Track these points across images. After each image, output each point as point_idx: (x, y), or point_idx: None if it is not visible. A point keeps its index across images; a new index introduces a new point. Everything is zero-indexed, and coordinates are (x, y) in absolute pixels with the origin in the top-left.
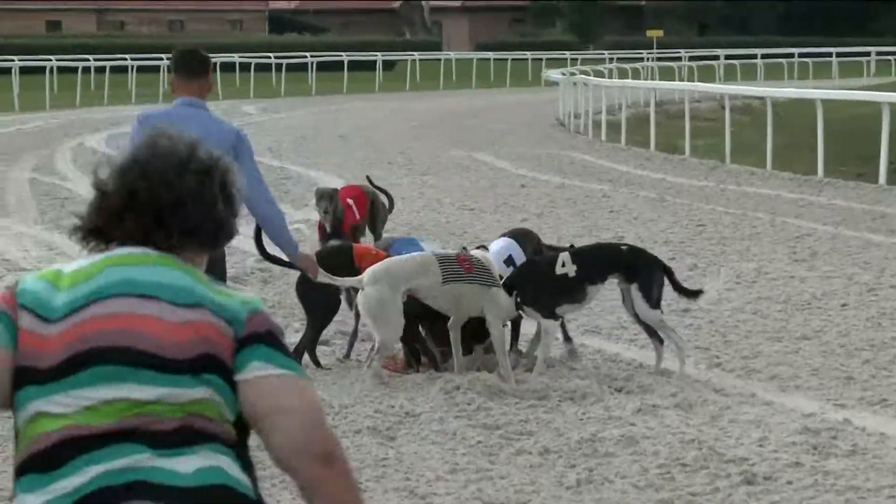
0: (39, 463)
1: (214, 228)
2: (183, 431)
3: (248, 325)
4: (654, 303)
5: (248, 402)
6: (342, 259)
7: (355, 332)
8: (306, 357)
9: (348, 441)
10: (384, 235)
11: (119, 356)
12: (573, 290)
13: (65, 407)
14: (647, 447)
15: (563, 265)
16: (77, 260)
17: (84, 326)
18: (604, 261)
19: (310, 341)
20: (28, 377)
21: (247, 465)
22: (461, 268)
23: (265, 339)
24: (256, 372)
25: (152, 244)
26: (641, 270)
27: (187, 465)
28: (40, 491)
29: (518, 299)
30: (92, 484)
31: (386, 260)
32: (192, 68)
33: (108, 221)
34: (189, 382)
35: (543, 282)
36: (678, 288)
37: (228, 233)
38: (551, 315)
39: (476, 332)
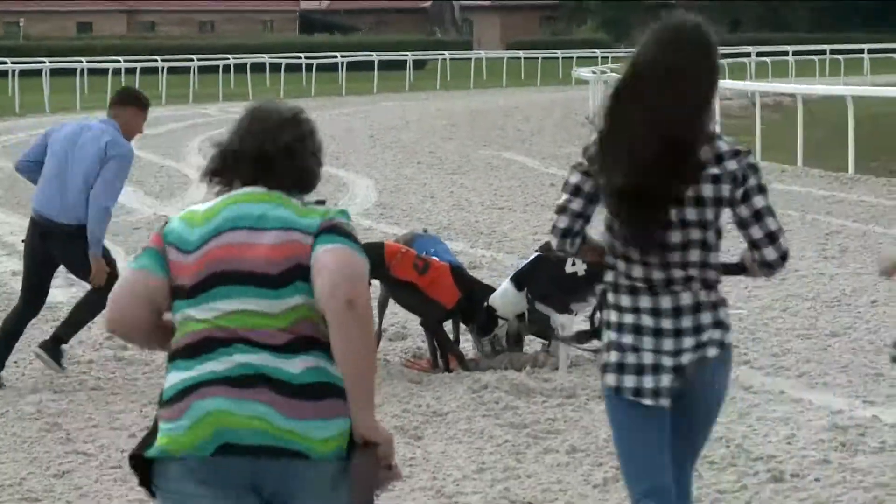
0: (188, 352)
1: (307, 175)
2: (292, 341)
3: (320, 227)
4: None
5: (313, 276)
6: (373, 257)
7: (379, 331)
8: None
9: None
10: (406, 230)
11: (234, 277)
12: (581, 289)
13: (204, 314)
14: None
15: (574, 263)
16: (205, 204)
17: (209, 255)
18: None
19: None
20: (178, 293)
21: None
22: None
23: (327, 230)
24: (315, 253)
25: (262, 184)
26: None
27: (297, 366)
28: (187, 371)
29: (529, 295)
30: (229, 370)
31: None
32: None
33: (227, 168)
34: (288, 293)
35: (554, 279)
36: None
37: (315, 179)
38: (565, 310)
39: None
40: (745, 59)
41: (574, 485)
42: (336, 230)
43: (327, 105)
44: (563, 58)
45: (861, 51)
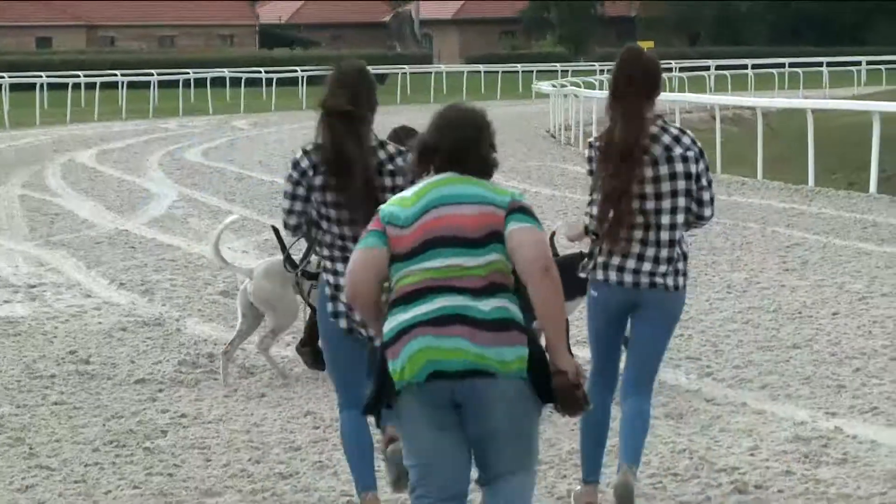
0: (405, 299)
1: (488, 163)
2: (487, 286)
3: (509, 206)
4: None
5: (508, 246)
6: None
7: None
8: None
9: (339, 454)
10: None
11: (445, 241)
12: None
13: (418, 272)
14: None
15: None
16: (411, 189)
17: (424, 226)
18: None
19: None
20: (397, 259)
21: (523, 305)
22: None
23: (516, 210)
24: (510, 227)
25: (454, 171)
26: None
27: (487, 306)
28: (403, 314)
29: None
30: (433, 312)
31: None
32: None
33: (425, 159)
34: (486, 252)
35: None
36: None
37: (493, 165)
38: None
39: None
40: (704, 73)
41: (538, 497)
42: (523, 211)
43: (288, 119)
44: (522, 71)
45: (820, 64)
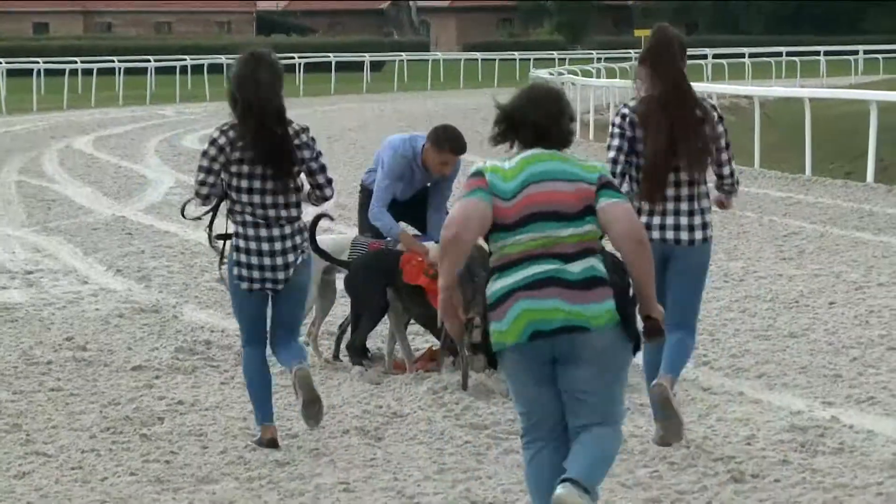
0: (507, 266)
1: (568, 136)
2: (579, 251)
3: (598, 181)
4: None
5: (601, 219)
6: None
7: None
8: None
9: (336, 442)
10: None
11: (546, 216)
12: None
13: (520, 242)
14: (634, 445)
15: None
16: (507, 161)
17: (526, 200)
18: None
19: (361, 339)
20: (499, 228)
21: (608, 264)
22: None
23: (605, 186)
24: (603, 202)
25: (539, 146)
26: None
27: (577, 267)
28: (505, 280)
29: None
30: (532, 276)
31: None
32: None
33: (510, 133)
34: (582, 224)
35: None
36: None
37: (572, 138)
38: None
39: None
40: (701, 62)
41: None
42: (611, 186)
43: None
44: (520, 59)
45: (817, 53)
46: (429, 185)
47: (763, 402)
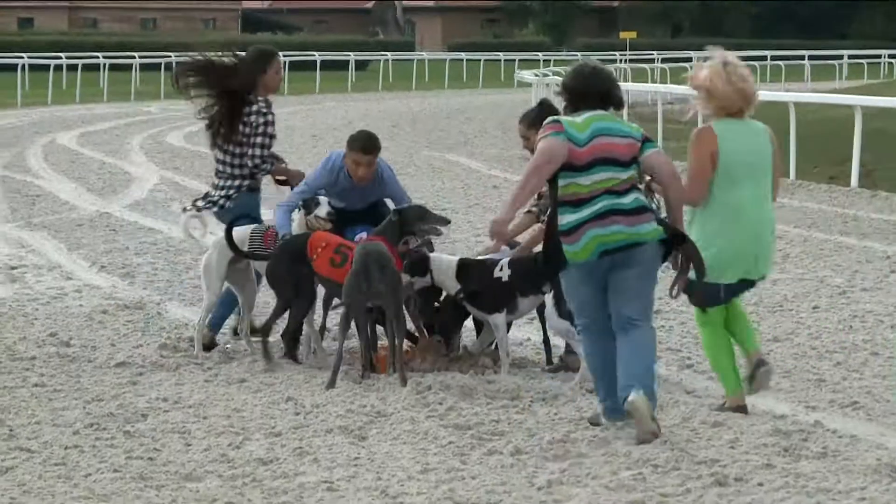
0: (575, 203)
1: (621, 101)
2: (628, 188)
3: (642, 136)
4: (564, 312)
5: (647, 165)
6: (298, 251)
7: (323, 326)
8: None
9: (319, 440)
10: None
11: (607, 161)
12: (507, 293)
13: (587, 182)
14: (618, 448)
15: (501, 269)
16: (578, 117)
17: (593, 148)
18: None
19: (293, 327)
20: (568, 167)
21: (647, 197)
22: (263, 242)
23: (647, 140)
24: (648, 152)
25: (601, 108)
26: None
27: (629, 198)
28: (576, 213)
29: (461, 294)
30: (599, 210)
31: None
32: None
33: (578, 101)
34: (630, 170)
35: (482, 280)
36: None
37: (623, 104)
38: (495, 310)
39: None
40: (686, 64)
41: (518, 486)
42: (651, 140)
43: None
44: (505, 60)
45: (802, 57)
46: (384, 197)
47: (746, 406)
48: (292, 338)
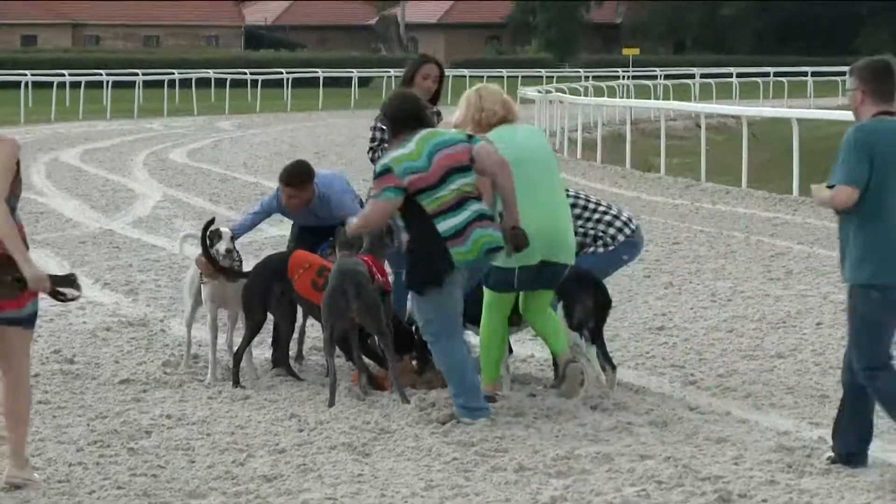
0: (449, 209)
1: (434, 119)
2: (479, 195)
3: (466, 136)
4: (574, 324)
5: (477, 157)
6: (278, 268)
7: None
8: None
9: (323, 457)
10: None
11: (455, 170)
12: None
13: (447, 192)
14: (622, 464)
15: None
16: (407, 147)
17: (439, 164)
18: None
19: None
20: (425, 190)
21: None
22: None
23: (471, 136)
24: (475, 148)
25: (423, 127)
26: (569, 289)
27: (486, 205)
28: (458, 217)
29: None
30: (475, 213)
31: None
32: None
33: (403, 124)
34: (472, 172)
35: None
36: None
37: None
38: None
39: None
40: (689, 81)
41: (522, 503)
42: (473, 136)
43: (272, 121)
44: (507, 76)
45: (804, 73)
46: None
47: (750, 422)
48: (284, 357)
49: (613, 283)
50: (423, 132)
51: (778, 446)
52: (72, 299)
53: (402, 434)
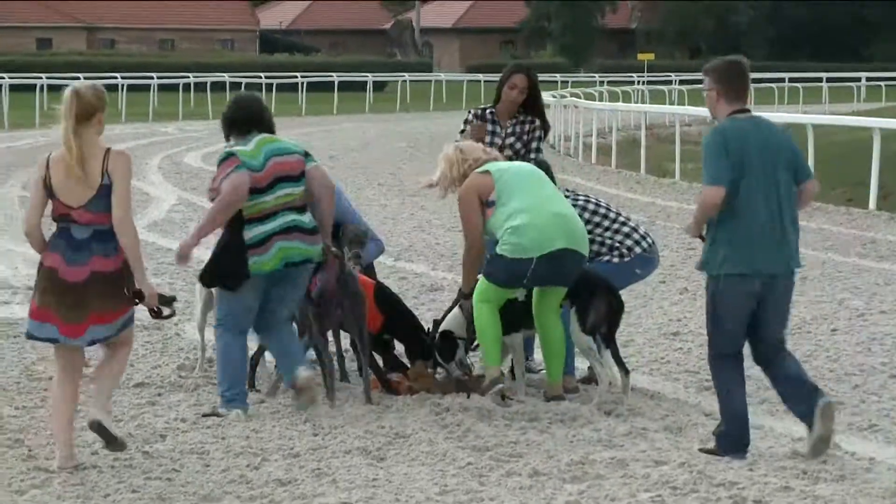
0: (262, 218)
1: (272, 125)
2: (304, 206)
3: (304, 152)
4: (588, 328)
5: (308, 177)
6: None
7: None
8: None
9: (338, 462)
10: None
11: (284, 179)
12: (521, 314)
13: (272, 199)
14: (637, 470)
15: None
16: (247, 145)
17: (271, 169)
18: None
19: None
20: (252, 191)
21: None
22: None
23: (308, 155)
24: (308, 167)
25: (260, 132)
26: (582, 294)
27: (307, 218)
28: (265, 227)
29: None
30: (284, 224)
31: None
32: None
33: (238, 126)
34: (301, 184)
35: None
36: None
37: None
38: (511, 330)
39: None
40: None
41: None
42: (310, 155)
43: (287, 125)
44: None
45: (819, 79)
46: None
47: (765, 428)
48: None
49: (628, 289)
50: (262, 136)
51: (792, 452)
52: (166, 317)
53: (417, 438)
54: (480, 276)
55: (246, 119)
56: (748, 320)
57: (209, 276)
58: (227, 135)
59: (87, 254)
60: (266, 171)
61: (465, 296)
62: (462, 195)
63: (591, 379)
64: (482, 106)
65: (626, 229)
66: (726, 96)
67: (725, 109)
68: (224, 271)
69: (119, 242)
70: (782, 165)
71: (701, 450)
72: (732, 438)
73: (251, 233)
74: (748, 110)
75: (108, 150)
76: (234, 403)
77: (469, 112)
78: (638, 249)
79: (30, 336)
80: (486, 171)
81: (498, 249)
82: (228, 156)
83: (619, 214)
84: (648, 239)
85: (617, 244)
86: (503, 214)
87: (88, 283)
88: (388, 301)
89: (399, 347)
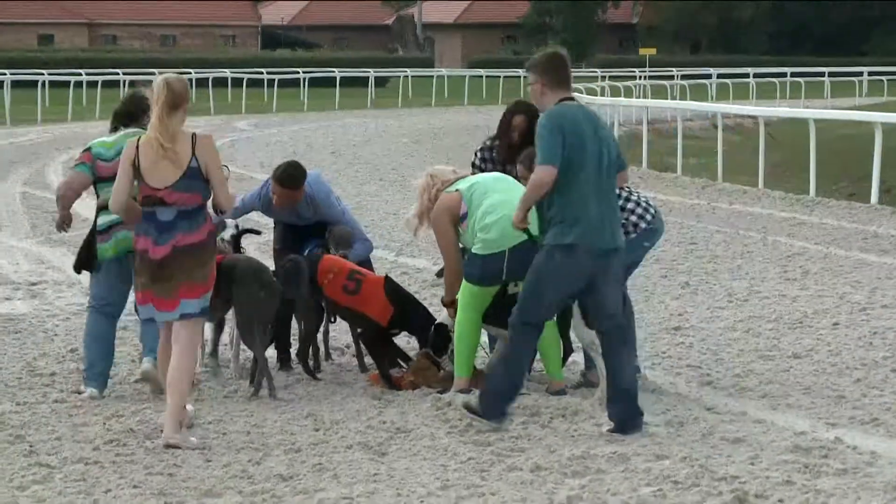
0: (107, 207)
1: (145, 118)
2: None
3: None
4: (590, 322)
5: None
6: (309, 272)
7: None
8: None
9: (339, 456)
10: None
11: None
12: None
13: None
14: (638, 464)
15: (516, 284)
16: (110, 137)
17: (117, 163)
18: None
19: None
20: (103, 180)
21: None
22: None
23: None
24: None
25: (132, 127)
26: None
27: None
28: (106, 216)
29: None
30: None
31: None
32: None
33: (128, 120)
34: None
35: (497, 298)
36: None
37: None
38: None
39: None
40: (706, 81)
41: (538, 502)
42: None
43: (289, 121)
44: (524, 77)
45: (821, 74)
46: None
47: (767, 422)
48: (304, 356)
49: (630, 283)
50: (130, 131)
51: (794, 447)
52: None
53: (418, 433)
54: (463, 282)
55: (125, 113)
56: (570, 295)
57: (76, 262)
58: (113, 128)
59: (174, 232)
60: (115, 163)
61: (445, 305)
62: (433, 217)
63: (581, 384)
64: (487, 142)
65: (629, 206)
66: (551, 87)
67: (552, 99)
68: (81, 254)
69: (203, 218)
70: (607, 151)
71: (465, 406)
72: (501, 400)
73: (100, 220)
74: (573, 98)
75: (194, 134)
76: (90, 382)
77: (475, 155)
78: (644, 224)
79: (142, 320)
80: (455, 190)
81: (473, 249)
82: (85, 150)
83: (620, 190)
84: (651, 210)
85: (623, 221)
86: (474, 222)
87: (172, 257)
88: (397, 293)
89: (402, 345)
